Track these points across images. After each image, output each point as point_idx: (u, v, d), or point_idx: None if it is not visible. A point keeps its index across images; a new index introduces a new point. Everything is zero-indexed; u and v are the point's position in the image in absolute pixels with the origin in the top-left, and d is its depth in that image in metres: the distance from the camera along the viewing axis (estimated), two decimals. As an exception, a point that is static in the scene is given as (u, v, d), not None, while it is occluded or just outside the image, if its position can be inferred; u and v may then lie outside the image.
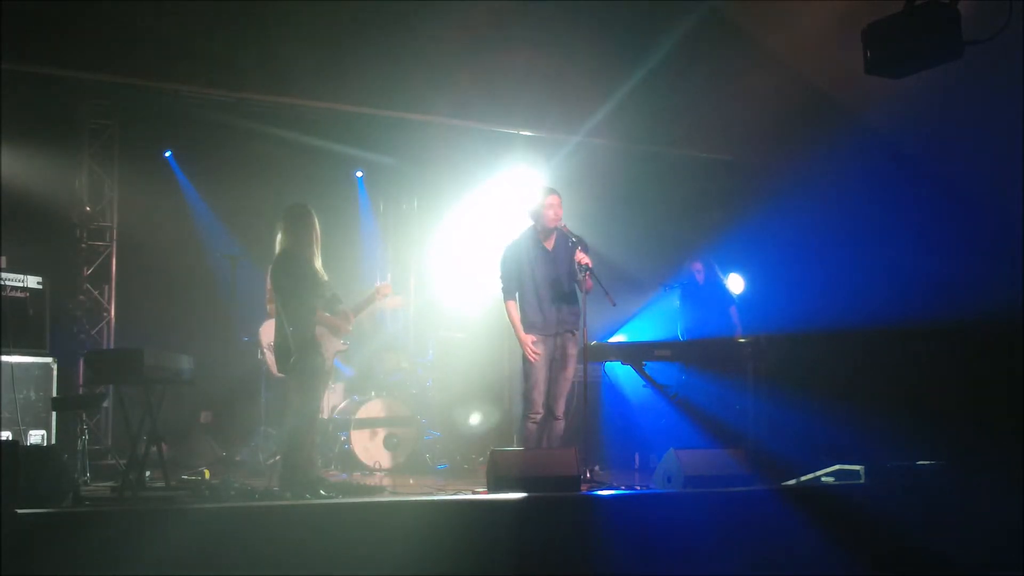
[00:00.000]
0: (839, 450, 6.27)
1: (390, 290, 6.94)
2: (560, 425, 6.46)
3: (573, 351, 6.45)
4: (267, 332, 8.03)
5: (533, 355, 6.32)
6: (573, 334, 6.46)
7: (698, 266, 8.46)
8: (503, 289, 6.51)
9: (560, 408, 6.43)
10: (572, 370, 6.48)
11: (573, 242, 6.39)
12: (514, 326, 6.44)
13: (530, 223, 6.58)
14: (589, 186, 9.30)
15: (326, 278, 6.33)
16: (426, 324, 9.82)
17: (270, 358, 8.03)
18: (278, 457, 7.37)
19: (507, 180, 9.62)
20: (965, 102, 7.11)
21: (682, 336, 8.39)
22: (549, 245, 6.50)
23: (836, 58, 6.70)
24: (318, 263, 6.28)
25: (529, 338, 6.35)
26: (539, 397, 6.34)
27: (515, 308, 6.44)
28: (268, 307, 7.65)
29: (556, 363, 6.42)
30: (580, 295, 6.42)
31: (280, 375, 6.98)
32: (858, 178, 8.39)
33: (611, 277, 7.10)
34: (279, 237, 6.25)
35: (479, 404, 9.26)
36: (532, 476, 5.24)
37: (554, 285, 6.44)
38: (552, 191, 6.55)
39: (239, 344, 8.47)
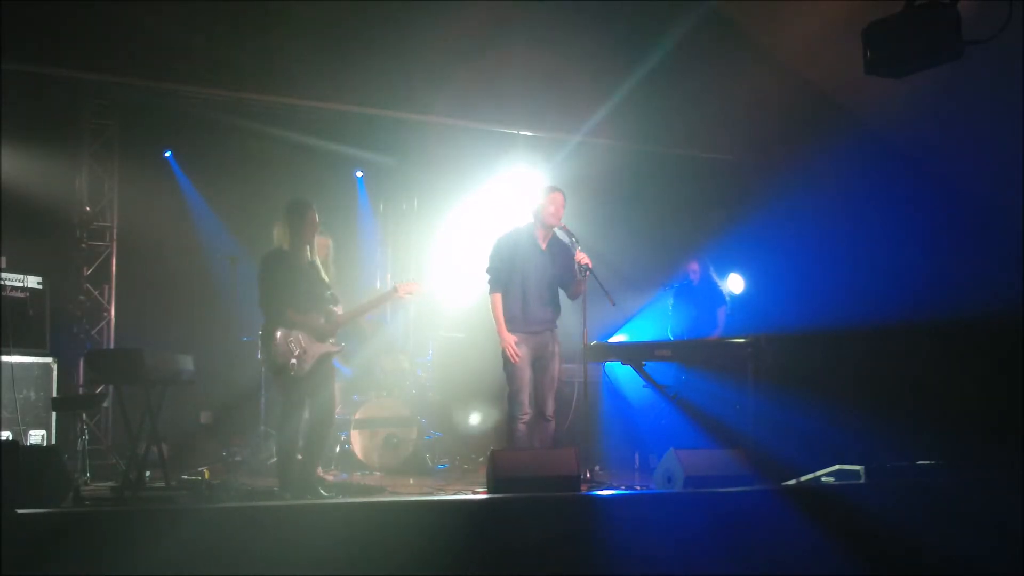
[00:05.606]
0: (839, 450, 6.27)
1: (415, 288, 6.59)
2: (551, 426, 6.37)
3: (555, 348, 6.40)
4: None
5: (515, 356, 6.24)
6: (553, 332, 6.43)
7: (694, 266, 8.46)
8: (491, 281, 6.38)
9: (550, 408, 6.35)
10: (556, 368, 6.41)
11: (574, 241, 6.38)
12: (498, 322, 6.30)
13: (529, 219, 6.54)
14: (589, 186, 9.29)
15: (325, 278, 6.30)
16: (426, 324, 9.81)
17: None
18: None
19: (507, 180, 9.61)
20: (965, 102, 7.10)
21: (671, 336, 8.39)
22: (544, 245, 6.47)
23: (836, 58, 6.69)
24: (316, 262, 6.26)
25: (512, 338, 6.27)
26: (526, 398, 6.26)
27: (500, 302, 6.32)
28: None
29: (539, 362, 6.35)
30: (562, 296, 6.44)
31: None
32: (858, 178, 8.40)
33: (611, 277, 7.09)
34: (276, 233, 6.23)
35: (479, 404, 9.25)
36: (532, 476, 5.23)
37: (542, 286, 6.39)
38: (556, 189, 6.51)
39: (239, 344, 8.46)
